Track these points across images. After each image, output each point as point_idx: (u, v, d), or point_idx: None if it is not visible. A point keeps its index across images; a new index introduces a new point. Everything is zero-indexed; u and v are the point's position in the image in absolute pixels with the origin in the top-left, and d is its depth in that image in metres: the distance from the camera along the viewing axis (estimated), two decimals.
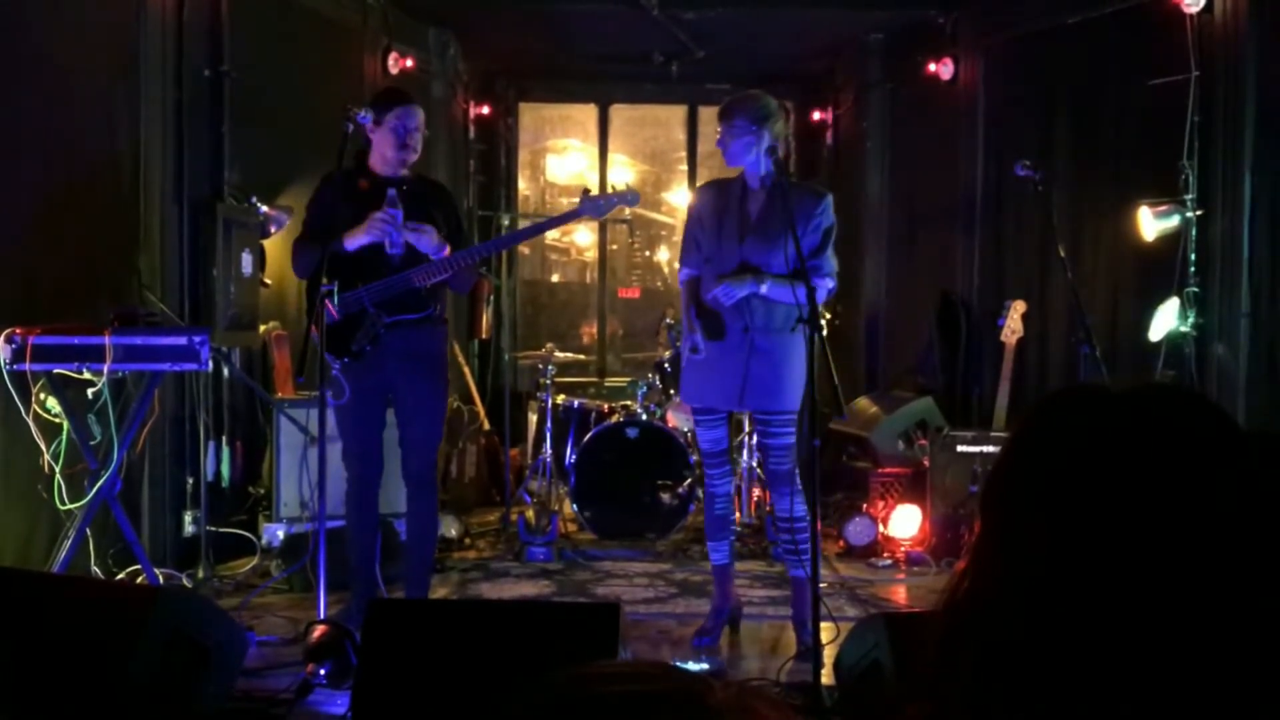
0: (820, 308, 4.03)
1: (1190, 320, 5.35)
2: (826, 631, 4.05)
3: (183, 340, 4.45)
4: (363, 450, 4.54)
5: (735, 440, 6.02)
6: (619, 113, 9.91)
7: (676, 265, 4.77)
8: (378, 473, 4.60)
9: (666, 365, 6.47)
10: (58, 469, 4.47)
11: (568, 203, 9.82)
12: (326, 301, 4.28)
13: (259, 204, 5.89)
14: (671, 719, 0.72)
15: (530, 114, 9.97)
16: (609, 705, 0.73)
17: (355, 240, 4.37)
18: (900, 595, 5.45)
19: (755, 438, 4.54)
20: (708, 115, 9.74)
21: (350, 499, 4.58)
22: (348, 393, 4.41)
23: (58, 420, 4.48)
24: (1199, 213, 5.35)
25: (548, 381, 6.59)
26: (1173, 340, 5.40)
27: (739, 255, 4.31)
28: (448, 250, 4.44)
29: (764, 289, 4.23)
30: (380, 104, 4.50)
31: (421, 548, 4.67)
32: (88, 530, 4.52)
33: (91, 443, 4.59)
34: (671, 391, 6.38)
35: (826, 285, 4.30)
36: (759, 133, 4.28)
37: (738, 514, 6.26)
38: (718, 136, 4.38)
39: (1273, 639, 0.88)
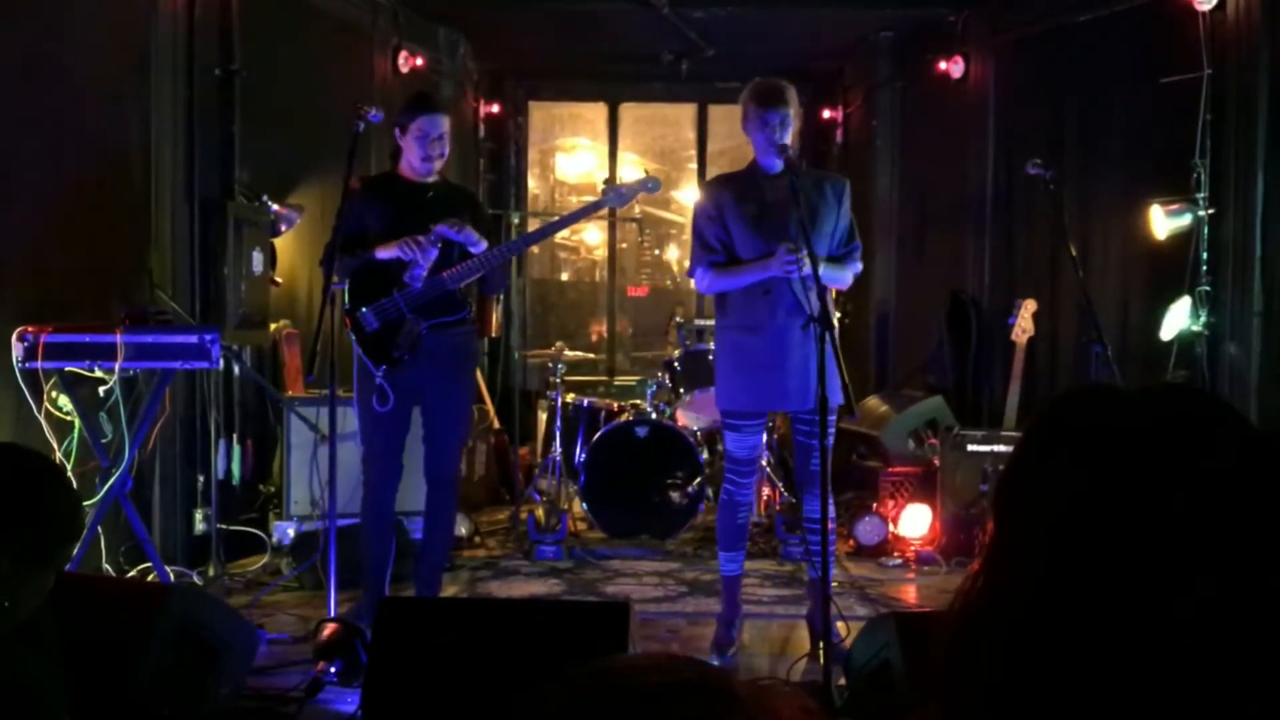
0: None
1: (1202, 319, 5.33)
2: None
3: (193, 339, 4.47)
4: (386, 457, 4.51)
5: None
6: (628, 111, 9.91)
7: (687, 263, 4.58)
8: (397, 480, 4.57)
9: (676, 364, 6.46)
10: (69, 467, 4.49)
11: (577, 201, 9.83)
12: (367, 311, 4.39)
13: (269, 202, 5.90)
14: (702, 706, 0.73)
15: (540, 113, 9.98)
16: (640, 694, 0.73)
17: (386, 252, 4.39)
18: (910, 595, 5.44)
19: (799, 438, 4.32)
20: (717, 113, 9.73)
21: (368, 505, 4.54)
22: (391, 400, 4.42)
23: (69, 418, 4.50)
24: (1211, 211, 5.33)
25: (557, 380, 6.59)
26: (1184, 339, 5.38)
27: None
28: (484, 246, 4.46)
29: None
30: (405, 112, 4.50)
31: (438, 548, 4.66)
32: (99, 528, 4.54)
33: (103, 441, 4.60)
34: (681, 390, 6.37)
35: (857, 269, 4.24)
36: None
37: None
38: (780, 123, 4.05)
39: None
